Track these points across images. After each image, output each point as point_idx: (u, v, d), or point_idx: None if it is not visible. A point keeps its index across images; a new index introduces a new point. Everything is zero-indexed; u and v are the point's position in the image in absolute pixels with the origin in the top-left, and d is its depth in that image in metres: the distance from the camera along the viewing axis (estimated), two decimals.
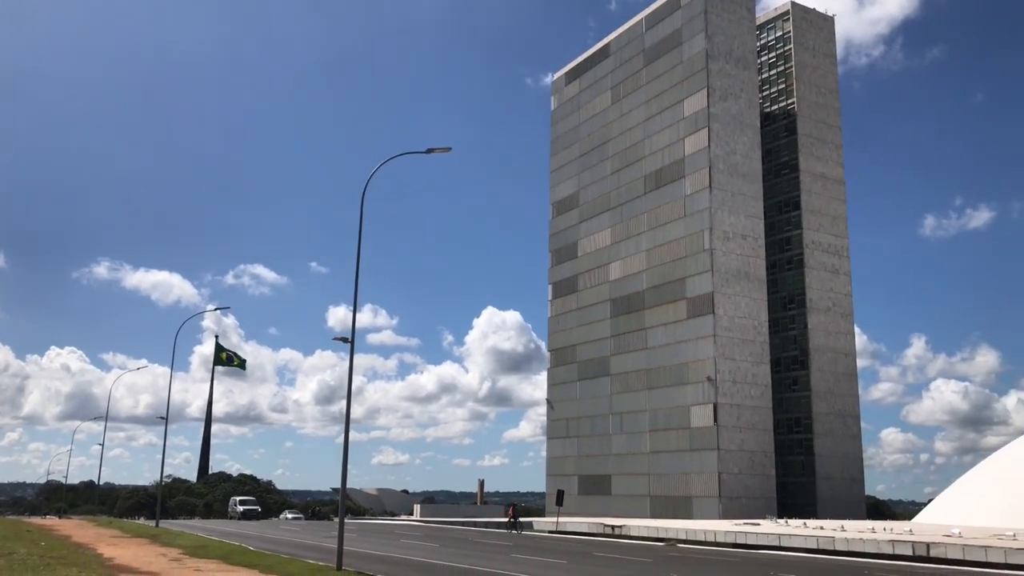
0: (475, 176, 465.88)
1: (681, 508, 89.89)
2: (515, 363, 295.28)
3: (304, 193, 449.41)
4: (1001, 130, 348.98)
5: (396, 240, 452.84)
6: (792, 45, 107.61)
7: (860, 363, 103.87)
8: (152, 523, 68.15)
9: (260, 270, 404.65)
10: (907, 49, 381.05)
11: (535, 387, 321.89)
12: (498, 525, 73.21)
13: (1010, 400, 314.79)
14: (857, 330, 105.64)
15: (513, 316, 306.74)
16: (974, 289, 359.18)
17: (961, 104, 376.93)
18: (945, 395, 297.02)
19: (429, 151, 30.11)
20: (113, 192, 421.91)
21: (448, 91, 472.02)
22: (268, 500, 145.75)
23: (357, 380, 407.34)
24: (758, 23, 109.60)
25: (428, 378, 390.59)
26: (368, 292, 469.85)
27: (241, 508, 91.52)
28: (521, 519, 68.14)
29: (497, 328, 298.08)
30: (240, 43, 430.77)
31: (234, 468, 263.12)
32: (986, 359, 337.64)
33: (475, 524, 77.44)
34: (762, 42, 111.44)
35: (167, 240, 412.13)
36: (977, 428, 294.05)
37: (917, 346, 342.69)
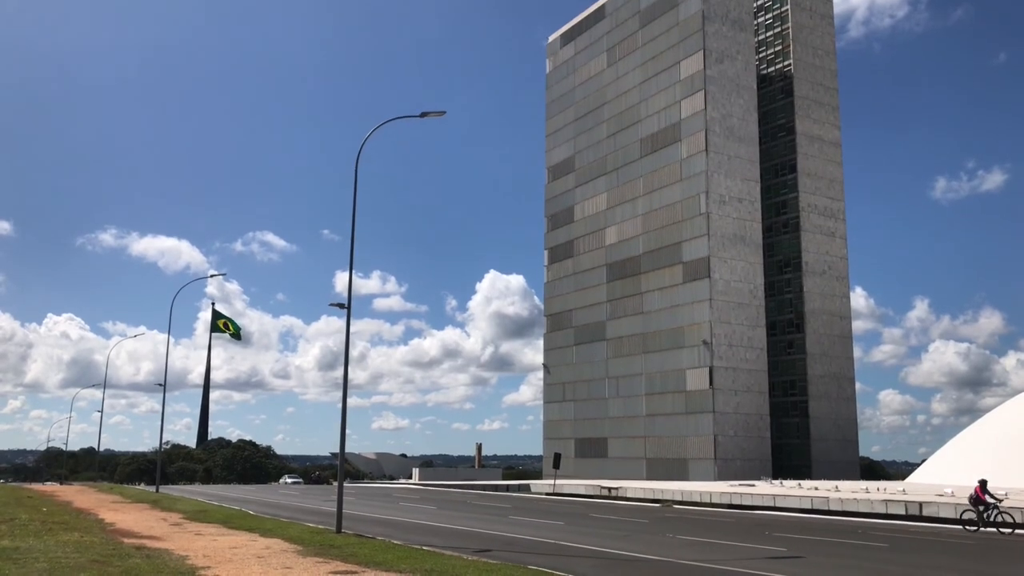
0: (482, 139, 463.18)
1: (677, 470, 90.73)
2: (518, 328, 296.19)
3: (318, 162, 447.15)
4: (1021, 92, 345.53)
5: (406, 206, 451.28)
6: (789, 7, 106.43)
7: (864, 326, 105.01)
8: (152, 488, 68.63)
9: (270, 237, 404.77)
10: (932, 10, 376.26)
11: (537, 351, 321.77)
12: (493, 488, 73.48)
13: (1009, 361, 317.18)
14: (863, 293, 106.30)
15: (516, 280, 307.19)
16: (983, 251, 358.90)
17: (982, 66, 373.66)
18: (945, 357, 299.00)
19: (423, 115, 29.77)
20: (121, 160, 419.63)
21: (463, 53, 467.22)
22: (267, 465, 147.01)
23: (361, 346, 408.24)
24: None
25: (431, 343, 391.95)
26: (378, 260, 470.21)
27: None
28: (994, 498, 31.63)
29: (500, 293, 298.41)
30: (252, 15, 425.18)
31: (234, 434, 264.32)
32: (990, 321, 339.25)
33: (473, 487, 78.15)
34: (759, 3, 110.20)
35: (176, 208, 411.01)
36: (975, 389, 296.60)
37: (920, 308, 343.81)
